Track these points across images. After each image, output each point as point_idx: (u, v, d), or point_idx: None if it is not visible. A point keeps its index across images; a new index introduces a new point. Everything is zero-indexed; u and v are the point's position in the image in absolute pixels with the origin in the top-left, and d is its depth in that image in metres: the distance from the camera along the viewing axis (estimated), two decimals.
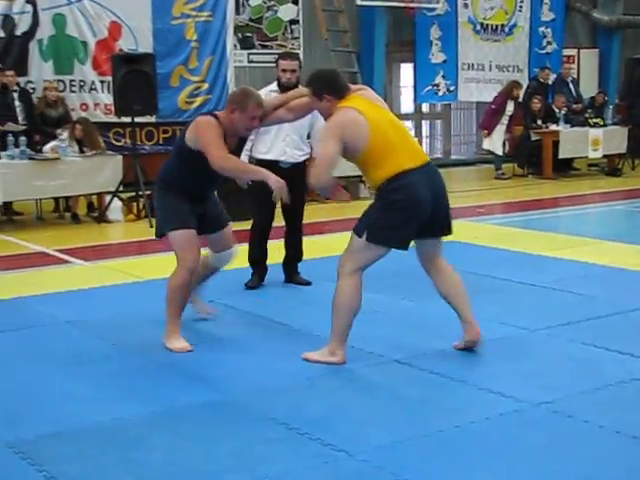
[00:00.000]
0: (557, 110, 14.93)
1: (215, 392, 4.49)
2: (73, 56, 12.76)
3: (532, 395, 4.28)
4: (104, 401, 4.39)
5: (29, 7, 12.28)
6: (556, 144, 14.27)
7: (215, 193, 5.74)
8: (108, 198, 10.60)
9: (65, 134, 10.57)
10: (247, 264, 6.84)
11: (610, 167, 15.14)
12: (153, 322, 5.80)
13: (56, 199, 11.05)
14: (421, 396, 4.37)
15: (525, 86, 16.11)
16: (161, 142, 13.74)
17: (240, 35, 14.51)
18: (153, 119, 12.81)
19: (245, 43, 14.61)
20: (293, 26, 15.10)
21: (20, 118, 10.94)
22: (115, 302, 6.46)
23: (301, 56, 14.99)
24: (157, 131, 13.70)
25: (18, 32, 12.26)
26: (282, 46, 14.79)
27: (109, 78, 12.21)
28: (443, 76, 16.68)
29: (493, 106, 15.04)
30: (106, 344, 5.38)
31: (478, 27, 17.09)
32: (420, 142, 16.37)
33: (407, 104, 17.51)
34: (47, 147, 10.40)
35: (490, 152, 14.85)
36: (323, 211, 11.32)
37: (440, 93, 16.73)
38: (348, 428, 3.97)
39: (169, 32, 13.42)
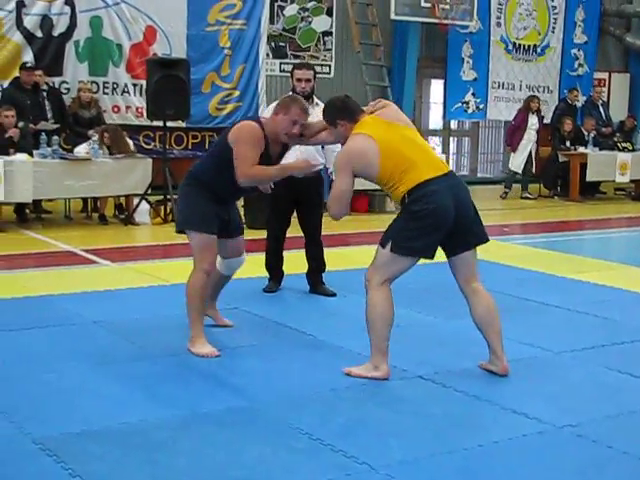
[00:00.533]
0: (586, 133, 14.91)
1: (240, 399, 4.52)
2: (108, 58, 12.89)
3: (556, 418, 4.28)
4: (130, 402, 4.42)
5: (67, 9, 12.44)
6: (584, 167, 14.25)
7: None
8: (136, 200, 10.68)
9: (97, 136, 10.66)
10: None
11: (637, 192, 15.10)
12: (179, 326, 5.82)
13: (84, 199, 11.14)
14: (445, 413, 4.38)
15: (554, 107, 16.12)
16: (190, 147, 13.86)
17: (273, 44, 14.61)
18: (183, 124, 12.91)
19: (278, 52, 14.71)
20: (326, 38, 15.19)
21: (49, 117, 11.05)
22: (142, 304, 6.52)
23: (332, 68, 15.19)
24: (187, 136, 13.80)
25: (55, 33, 12.41)
26: (314, 57, 14.89)
27: (142, 81, 12.34)
28: (473, 94, 16.71)
29: (513, 122, 15.10)
30: (133, 346, 5.43)
31: (510, 46, 17.11)
32: (447, 159, 16.40)
33: (436, 120, 17.54)
34: (79, 148, 10.49)
35: (515, 172, 14.83)
36: (348, 223, 11.32)
37: (469, 110, 16.76)
38: (371, 441, 3.98)
39: (203, 38, 13.52)
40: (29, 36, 12.17)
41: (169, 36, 13.23)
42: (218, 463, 3.74)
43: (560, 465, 3.80)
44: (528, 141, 14.63)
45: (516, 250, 9.26)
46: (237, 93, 13.90)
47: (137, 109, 13.06)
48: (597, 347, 5.59)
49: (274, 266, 7.00)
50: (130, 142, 11.28)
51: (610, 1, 18.30)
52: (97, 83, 12.78)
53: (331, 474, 3.65)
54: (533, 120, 14.68)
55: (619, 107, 18.44)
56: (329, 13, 15.15)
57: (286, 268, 7.10)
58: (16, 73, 11.29)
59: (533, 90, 17.37)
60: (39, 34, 12.27)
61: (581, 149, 14.53)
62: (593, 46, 18.08)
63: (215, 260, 5.38)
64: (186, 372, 4.96)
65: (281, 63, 14.67)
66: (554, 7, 17.51)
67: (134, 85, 13.07)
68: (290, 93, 5.40)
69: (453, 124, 17.79)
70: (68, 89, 12.42)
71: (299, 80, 6.84)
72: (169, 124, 11.35)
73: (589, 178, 14.35)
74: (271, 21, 14.41)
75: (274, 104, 6.98)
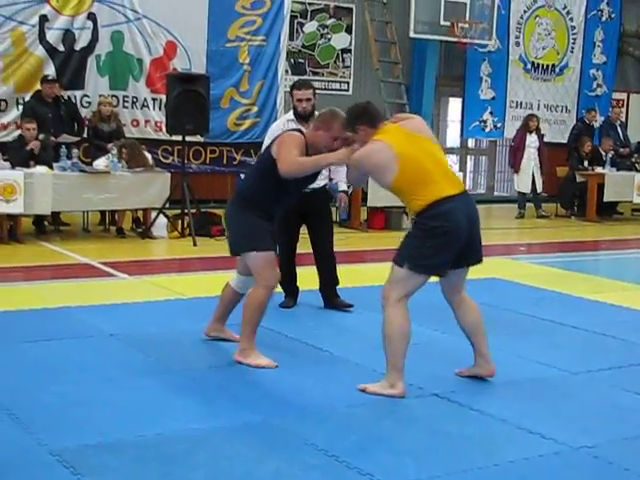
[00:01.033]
0: (604, 153, 14.89)
1: (256, 414, 4.52)
2: (128, 73, 13.00)
3: (572, 438, 4.27)
4: (147, 415, 4.44)
5: (89, 23, 12.56)
6: (601, 187, 14.23)
7: None
8: (154, 214, 10.73)
9: (116, 149, 10.73)
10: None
11: None
12: (195, 340, 5.88)
13: (102, 212, 11.20)
14: (460, 432, 4.37)
15: (571, 127, 16.12)
16: (208, 162, 13.94)
17: (292, 61, 14.68)
18: (202, 139, 12.97)
19: (297, 69, 14.78)
20: (345, 55, 15.25)
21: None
22: (159, 318, 6.54)
23: (351, 85, 15.23)
24: (205, 151, 13.88)
25: (77, 47, 12.53)
26: (333, 74, 14.96)
27: (161, 96, 12.43)
28: (491, 112, 16.73)
29: (513, 143, 15.09)
30: (150, 359, 5.45)
31: (529, 66, 17.13)
32: (464, 177, 16.42)
33: (453, 138, 17.57)
34: (99, 161, 10.56)
35: (522, 193, 14.76)
36: (365, 240, 11.37)
37: (487, 129, 16.78)
38: (386, 459, 3.98)
39: (223, 54, 13.62)
40: (51, 50, 12.29)
41: (189, 51, 13.33)
42: (234, 477, 3.75)
43: None
44: (528, 160, 14.47)
45: (533, 269, 9.24)
46: (255, 109, 13.97)
47: (156, 123, 13.15)
48: (614, 368, 5.57)
49: (287, 282, 6.97)
50: (149, 156, 11.34)
51: (629, 22, 18.30)
52: (117, 97, 12.88)
53: None
54: (532, 139, 14.53)
55: (637, 128, 18.40)
56: (348, 30, 15.22)
57: (301, 284, 7.11)
58: (37, 86, 11.39)
59: (551, 110, 17.41)
60: (61, 48, 12.39)
61: (599, 169, 14.51)
62: (612, 67, 18.08)
63: (278, 276, 5.47)
64: (202, 386, 4.98)
65: (299, 79, 14.70)
66: (573, 27, 17.53)
67: (153, 99, 13.16)
68: (330, 108, 5.35)
69: (470, 142, 17.81)
70: (89, 102, 12.53)
71: (300, 100, 6.85)
72: (188, 139, 11.39)
73: (606, 198, 14.32)
74: (290, 38, 14.50)
75: (288, 115, 7.05)
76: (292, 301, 7.03)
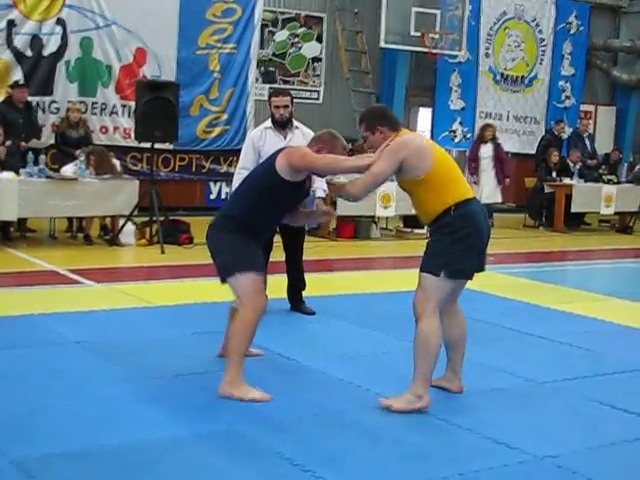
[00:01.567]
0: (572, 164, 15.01)
1: (222, 423, 4.49)
2: (97, 79, 12.94)
3: (537, 448, 4.28)
4: (111, 424, 4.39)
5: (58, 29, 12.50)
6: (569, 198, 14.34)
7: None
8: (122, 221, 10.66)
9: (84, 156, 10.66)
10: None
11: (621, 224, 15.19)
12: (161, 348, 5.85)
13: (70, 219, 11.13)
14: (426, 441, 4.37)
15: (540, 138, 16.23)
16: (177, 169, 13.90)
17: (263, 69, 14.69)
18: (171, 146, 12.92)
19: (267, 77, 14.79)
20: (315, 64, 15.28)
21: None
22: (125, 326, 6.49)
23: (321, 94, 15.26)
24: (174, 158, 13.84)
25: (46, 52, 12.46)
26: (303, 82, 14.99)
27: (130, 103, 12.39)
28: (460, 123, 16.82)
29: (467, 153, 15.11)
30: (115, 367, 5.40)
31: (498, 77, 17.26)
32: None
33: None
34: (66, 168, 10.49)
35: (486, 204, 14.71)
36: (333, 249, 11.37)
37: (457, 139, 16.86)
38: (352, 468, 3.97)
39: (193, 62, 13.60)
40: (19, 55, 12.22)
41: (159, 58, 13.29)
42: None
43: None
44: (483, 171, 14.17)
45: (500, 280, 9.27)
46: (225, 116, 13.95)
47: (125, 130, 13.10)
48: (579, 378, 5.60)
49: None
50: (117, 163, 11.29)
51: (597, 35, 18.49)
52: (86, 103, 12.81)
53: None
54: (485, 149, 14.22)
55: (605, 140, 18.60)
56: (319, 39, 15.26)
57: (269, 292, 7.06)
58: (6, 91, 11.30)
59: (520, 121, 17.53)
60: (29, 53, 12.31)
61: (567, 180, 14.62)
62: (580, 79, 18.25)
63: (267, 301, 5.07)
64: (168, 395, 4.94)
65: (270, 88, 14.70)
66: (542, 39, 17.68)
67: (123, 106, 13.11)
68: (327, 130, 5.26)
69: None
70: (58, 109, 12.47)
71: (277, 107, 6.94)
72: (157, 146, 11.34)
73: (574, 209, 14.43)
74: (261, 46, 14.51)
75: (266, 123, 7.04)
76: None
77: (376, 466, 4.01)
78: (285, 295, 7.18)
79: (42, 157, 10.35)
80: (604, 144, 18.22)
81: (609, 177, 15.08)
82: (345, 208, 11.81)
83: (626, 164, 16.22)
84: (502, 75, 17.32)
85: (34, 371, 5.26)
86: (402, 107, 15.93)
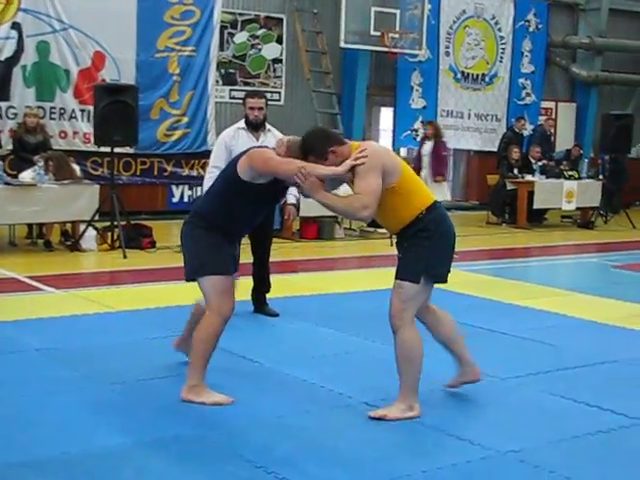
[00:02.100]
0: (533, 160, 15.11)
1: (184, 427, 4.46)
2: (55, 84, 12.83)
3: (500, 444, 4.29)
4: (72, 432, 4.34)
5: (14, 33, 12.38)
6: (531, 194, 14.42)
7: None
8: (83, 227, 10.57)
9: (42, 161, 10.55)
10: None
11: (583, 220, 15.31)
12: (125, 353, 5.81)
13: (29, 225, 11.01)
14: (390, 439, 4.37)
15: (501, 135, 16.31)
16: (138, 173, 13.81)
17: (223, 71, 14.64)
18: (131, 150, 12.85)
19: (227, 79, 14.74)
20: (276, 65, 15.26)
21: None
22: (86, 332, 6.43)
23: (282, 95, 15.23)
24: (135, 162, 13.75)
25: (2, 57, 12.33)
26: (264, 84, 14.95)
27: (89, 107, 12.29)
28: (422, 122, 16.83)
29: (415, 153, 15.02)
30: (76, 374, 5.34)
31: (459, 75, 17.33)
32: None
33: None
34: (24, 174, 10.38)
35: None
36: (297, 250, 11.36)
37: (418, 138, 16.83)
38: (315, 469, 3.96)
39: (152, 65, 13.52)
40: None
41: (118, 62, 13.21)
42: None
43: None
44: (423, 168, 13.73)
45: (463, 277, 9.28)
46: (186, 119, 13.90)
47: (85, 135, 12.99)
48: (541, 373, 5.62)
49: None
50: (77, 168, 11.18)
51: (556, 32, 18.63)
52: (44, 108, 12.70)
53: None
54: (426, 147, 13.91)
55: (565, 136, 18.74)
56: (279, 41, 15.23)
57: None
58: None
59: (481, 119, 17.62)
60: None
61: (528, 177, 14.71)
62: (540, 76, 18.39)
63: (234, 305, 4.94)
64: (130, 401, 4.89)
65: (231, 90, 14.70)
66: (502, 37, 17.78)
67: (82, 111, 13.01)
68: (299, 138, 5.09)
69: (402, 151, 17.90)
70: (15, 114, 12.36)
71: (252, 108, 6.95)
72: (117, 150, 11.27)
73: (536, 206, 14.52)
74: (221, 48, 14.46)
75: (239, 124, 6.99)
76: None
77: (339, 466, 3.99)
78: (248, 297, 7.14)
79: (0, 163, 10.23)
80: (565, 140, 18.38)
81: (570, 173, 15.19)
82: (308, 209, 11.81)
83: (586, 160, 16.35)
84: (462, 73, 17.40)
85: None
86: (363, 107, 15.97)
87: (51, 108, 12.84)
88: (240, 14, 14.84)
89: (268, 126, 7.06)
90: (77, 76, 12.97)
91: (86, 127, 12.93)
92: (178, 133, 13.87)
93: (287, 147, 4.84)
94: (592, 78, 18.72)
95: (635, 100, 19.78)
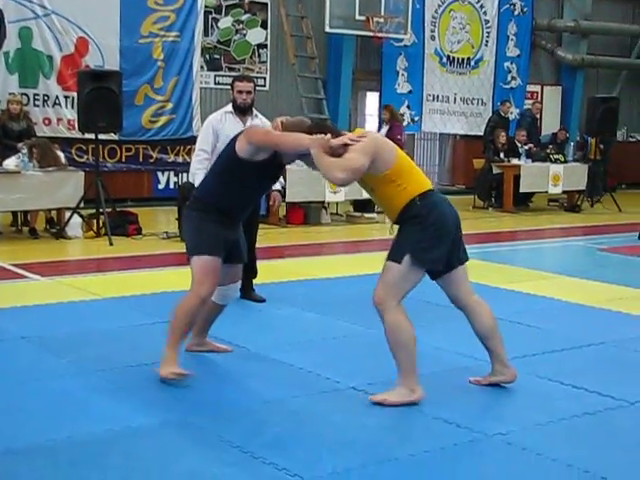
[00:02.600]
0: (519, 144, 15.11)
1: (171, 413, 4.45)
2: (38, 70, 12.75)
3: (487, 426, 4.31)
4: (58, 419, 4.33)
5: None
6: (517, 178, 14.43)
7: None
8: (68, 214, 10.52)
9: (26, 149, 10.49)
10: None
11: (569, 203, 15.34)
12: (111, 340, 5.79)
13: (14, 213, 10.96)
14: (377, 423, 4.37)
15: (487, 119, 16.31)
16: (124, 160, 13.75)
17: (207, 56, 14.57)
18: (116, 137, 12.78)
19: (212, 65, 14.67)
20: (261, 50, 15.20)
21: None
22: (72, 319, 6.40)
23: (268, 81, 15.18)
24: (120, 149, 13.69)
25: None
26: (249, 69, 14.89)
27: (73, 94, 12.22)
28: (408, 106, 16.86)
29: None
30: (62, 361, 5.32)
31: (444, 59, 17.31)
32: None
33: None
34: (8, 161, 10.32)
35: None
36: (283, 235, 11.34)
37: (404, 123, 16.86)
38: (302, 453, 3.96)
39: (136, 50, 13.45)
40: None
41: (101, 48, 13.13)
42: (148, 477, 3.69)
43: (490, 473, 3.83)
44: None
45: None
46: (170, 105, 13.83)
47: (69, 121, 12.92)
48: (528, 356, 5.63)
49: None
50: (61, 155, 11.12)
51: (541, 16, 18.62)
52: (27, 95, 12.62)
53: None
54: (383, 131, 13.86)
55: (551, 119, 18.76)
56: (264, 26, 15.17)
57: None
58: None
59: (467, 103, 17.61)
60: None
61: (514, 161, 14.72)
62: (525, 59, 18.38)
63: (215, 288, 5.05)
64: (117, 387, 4.88)
65: (216, 75, 14.63)
66: (487, 21, 17.76)
67: (65, 97, 12.93)
68: (298, 117, 5.13)
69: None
70: None
71: (240, 92, 6.91)
72: (102, 137, 11.21)
73: (522, 189, 14.54)
74: (205, 33, 14.39)
75: (227, 107, 6.97)
76: None
77: (326, 450, 3.99)
78: None
79: None
80: (551, 124, 18.40)
81: (556, 156, 15.21)
82: (294, 194, 11.80)
83: (572, 143, 16.37)
84: (448, 57, 17.38)
85: None
86: (349, 92, 15.93)
87: (35, 95, 12.76)
88: None
89: (255, 111, 7.03)
90: (60, 62, 12.89)
91: (70, 114, 12.86)
92: (163, 119, 13.81)
93: (285, 127, 4.93)
94: (578, 61, 18.73)
95: (621, 83, 19.82)
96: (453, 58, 17.47)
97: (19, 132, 11.05)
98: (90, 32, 13.01)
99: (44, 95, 12.84)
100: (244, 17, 14.95)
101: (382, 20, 15.24)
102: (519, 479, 3.78)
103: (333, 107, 15.33)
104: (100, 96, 10.42)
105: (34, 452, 3.91)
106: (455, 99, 17.51)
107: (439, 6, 17.11)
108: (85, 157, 13.08)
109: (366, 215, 12.59)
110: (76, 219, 10.58)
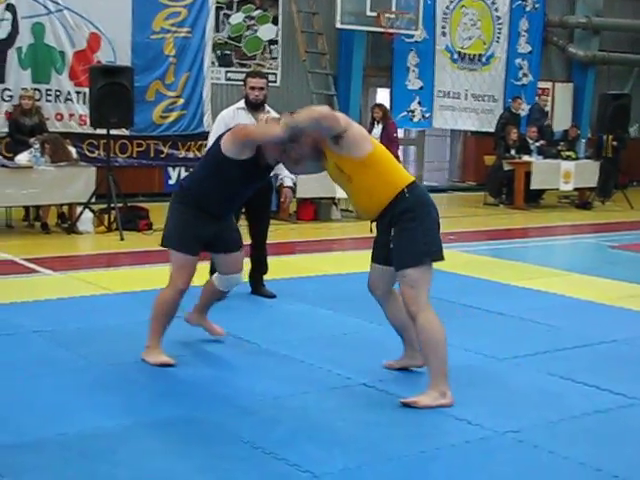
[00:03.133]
0: (530, 141, 15.07)
1: (182, 408, 4.46)
2: (50, 65, 12.76)
3: (498, 424, 4.29)
4: (69, 413, 4.33)
5: (8, 15, 12.30)
6: (528, 175, 14.39)
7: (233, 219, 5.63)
8: (79, 209, 10.55)
9: (38, 144, 10.51)
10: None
11: (580, 200, 15.29)
12: (122, 335, 5.79)
13: (26, 207, 10.99)
14: (388, 420, 4.36)
15: (499, 116, 16.27)
16: (134, 155, 13.76)
17: (219, 52, 14.56)
18: (127, 132, 12.81)
19: (223, 60, 14.66)
20: (272, 46, 15.18)
21: None
22: (84, 314, 6.41)
23: (278, 77, 15.17)
24: (131, 144, 13.70)
25: None
26: (260, 65, 14.87)
27: (85, 89, 12.23)
28: (419, 102, 16.82)
29: None
30: (73, 355, 5.33)
31: (455, 56, 17.26)
32: None
33: None
34: (21, 156, 10.35)
35: None
36: (293, 231, 11.34)
37: (415, 119, 16.86)
38: (314, 449, 3.95)
39: (148, 46, 13.45)
40: None
41: (113, 43, 13.14)
42: (158, 473, 3.69)
43: (502, 471, 3.81)
44: None
45: (461, 258, 9.29)
46: (181, 101, 13.84)
47: (80, 117, 12.94)
48: (540, 353, 5.62)
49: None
50: (73, 150, 11.16)
51: (553, 12, 18.56)
52: (40, 90, 12.64)
53: None
54: (376, 130, 13.54)
55: (563, 116, 18.70)
56: (275, 22, 15.15)
57: None
58: None
59: (478, 99, 17.56)
60: None
61: (526, 157, 14.68)
62: (537, 56, 18.32)
63: (190, 281, 5.20)
64: (128, 382, 4.89)
65: (227, 71, 14.62)
66: (498, 17, 17.71)
67: (77, 93, 12.94)
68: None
69: (399, 132, 17.85)
70: (11, 96, 12.30)
71: (252, 88, 6.89)
72: (113, 132, 11.23)
73: (533, 186, 14.50)
74: (216, 29, 14.38)
75: (239, 104, 6.97)
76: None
77: (338, 446, 3.99)
78: (246, 278, 7.11)
79: None
80: (562, 121, 18.34)
81: (567, 153, 15.17)
82: (305, 190, 11.79)
83: (584, 140, 16.31)
84: (459, 54, 17.33)
85: None
86: (360, 88, 15.90)
87: (47, 90, 12.77)
88: None
89: (267, 107, 7.03)
90: (72, 58, 12.89)
91: (82, 109, 12.87)
92: (174, 115, 13.82)
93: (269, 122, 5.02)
94: (589, 58, 18.66)
95: (632, 80, 19.74)
96: (464, 54, 17.43)
97: (31, 127, 11.08)
98: (102, 28, 13.02)
99: (56, 90, 12.86)
100: (255, 13, 14.93)
101: (393, 16, 15.21)
102: (530, 477, 3.77)
103: (344, 103, 15.30)
104: (112, 92, 10.44)
105: (44, 446, 3.92)
106: (466, 95, 17.46)
107: (450, 2, 17.06)
108: (96, 152, 13.10)
109: None
110: (87, 214, 10.60)
